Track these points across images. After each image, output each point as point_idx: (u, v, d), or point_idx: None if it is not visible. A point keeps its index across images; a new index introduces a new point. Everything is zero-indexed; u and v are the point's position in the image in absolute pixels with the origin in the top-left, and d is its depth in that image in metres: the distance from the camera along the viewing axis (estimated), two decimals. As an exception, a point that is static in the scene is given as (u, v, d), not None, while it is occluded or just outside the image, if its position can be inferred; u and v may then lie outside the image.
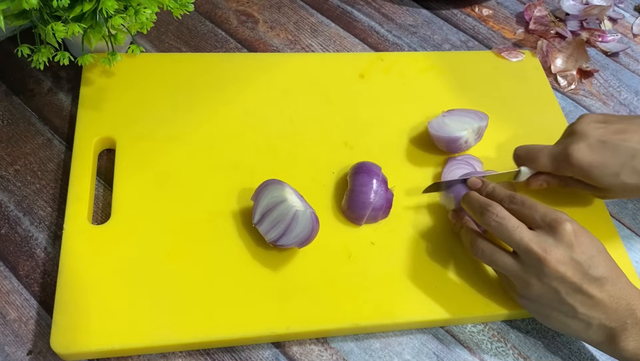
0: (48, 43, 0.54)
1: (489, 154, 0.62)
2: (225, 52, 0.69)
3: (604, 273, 0.46)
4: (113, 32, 0.54)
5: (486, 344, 0.52)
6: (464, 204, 0.52)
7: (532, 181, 0.57)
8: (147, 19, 0.53)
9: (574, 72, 0.74)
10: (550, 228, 0.47)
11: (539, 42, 0.75)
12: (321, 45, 0.72)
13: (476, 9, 0.80)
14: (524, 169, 0.56)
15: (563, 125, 0.66)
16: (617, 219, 0.62)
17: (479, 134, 0.60)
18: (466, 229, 0.52)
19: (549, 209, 0.48)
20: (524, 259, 0.47)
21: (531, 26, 0.77)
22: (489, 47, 0.75)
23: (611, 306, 0.46)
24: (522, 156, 0.57)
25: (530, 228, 0.47)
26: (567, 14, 0.79)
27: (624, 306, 0.46)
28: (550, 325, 0.49)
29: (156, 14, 0.55)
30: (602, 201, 0.61)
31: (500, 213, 0.48)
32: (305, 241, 0.50)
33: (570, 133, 0.55)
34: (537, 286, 0.47)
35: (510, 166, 0.58)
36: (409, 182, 0.59)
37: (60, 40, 0.52)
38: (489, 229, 0.49)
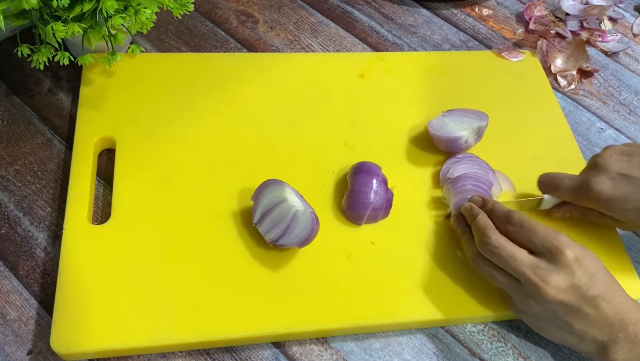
0: (48, 43, 0.54)
1: (489, 154, 0.61)
2: (225, 52, 0.69)
3: (601, 292, 0.46)
4: (113, 32, 0.54)
5: (486, 344, 0.52)
6: (466, 216, 0.53)
7: (554, 211, 0.57)
8: (147, 19, 0.53)
9: (574, 72, 0.74)
10: (550, 254, 0.46)
11: (539, 42, 0.75)
12: (321, 45, 0.72)
13: (476, 9, 0.80)
14: (547, 197, 0.56)
15: (563, 125, 0.66)
16: (617, 219, 0.62)
17: (479, 134, 0.60)
18: (466, 242, 0.52)
19: (548, 232, 0.47)
20: (522, 283, 0.47)
21: (531, 26, 0.77)
22: (489, 47, 0.75)
23: (605, 323, 0.46)
24: (545, 183, 0.57)
25: (529, 250, 0.47)
26: (567, 14, 0.79)
27: (618, 321, 0.46)
28: (544, 335, 0.50)
29: (156, 14, 0.55)
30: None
31: (495, 241, 0.48)
32: (305, 241, 0.50)
33: (593, 165, 0.54)
34: (534, 306, 0.47)
35: (511, 167, 0.58)
36: (409, 182, 0.59)
37: (60, 40, 0.52)
38: (485, 256, 0.49)
